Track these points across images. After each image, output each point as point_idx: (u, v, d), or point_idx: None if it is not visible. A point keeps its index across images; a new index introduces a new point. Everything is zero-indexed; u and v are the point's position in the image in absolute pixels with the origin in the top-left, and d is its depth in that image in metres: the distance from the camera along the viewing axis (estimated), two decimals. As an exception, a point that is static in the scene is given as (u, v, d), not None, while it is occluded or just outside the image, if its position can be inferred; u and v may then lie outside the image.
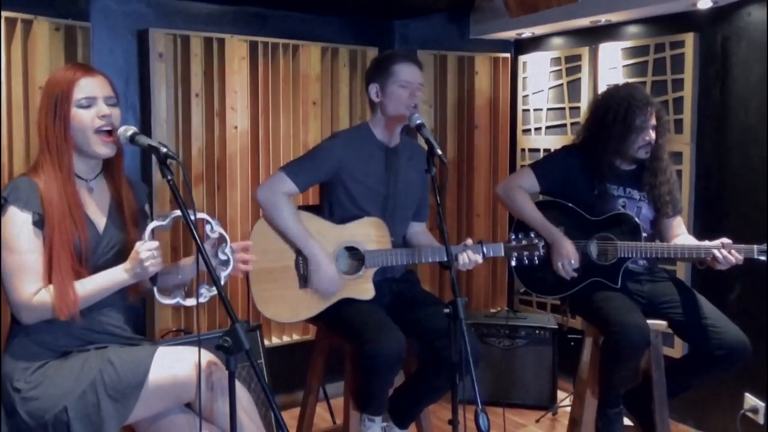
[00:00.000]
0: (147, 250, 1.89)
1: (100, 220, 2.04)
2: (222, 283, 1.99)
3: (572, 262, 2.73)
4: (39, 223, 1.91)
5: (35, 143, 2.76)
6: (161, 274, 2.03)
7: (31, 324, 1.93)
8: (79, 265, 1.94)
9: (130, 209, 2.09)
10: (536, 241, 2.61)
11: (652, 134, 2.75)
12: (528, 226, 2.82)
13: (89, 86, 1.98)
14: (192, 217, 1.79)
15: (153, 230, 1.92)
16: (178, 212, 1.88)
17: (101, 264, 1.98)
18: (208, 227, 2.01)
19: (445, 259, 2.29)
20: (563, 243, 2.75)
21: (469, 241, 2.55)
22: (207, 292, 1.94)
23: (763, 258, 2.51)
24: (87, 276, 1.95)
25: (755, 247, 2.52)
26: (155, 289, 1.99)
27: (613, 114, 2.74)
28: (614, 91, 2.83)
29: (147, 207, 2.23)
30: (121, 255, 1.99)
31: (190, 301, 1.97)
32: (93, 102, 1.98)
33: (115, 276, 1.94)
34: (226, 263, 2.03)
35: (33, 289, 1.89)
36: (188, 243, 3.22)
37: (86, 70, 2.02)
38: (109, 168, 2.10)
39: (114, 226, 2.06)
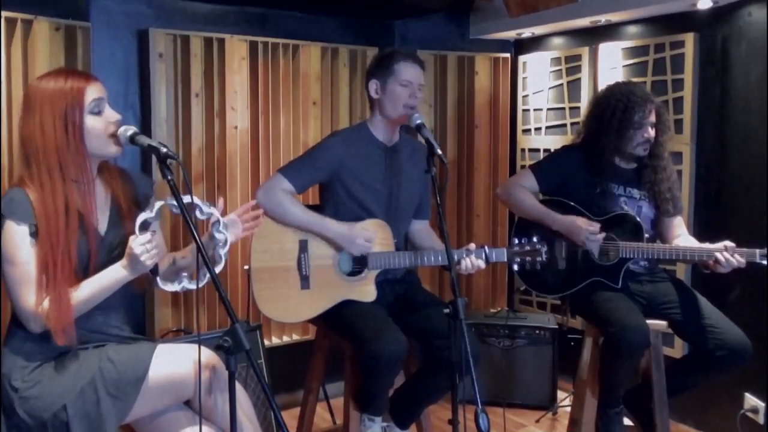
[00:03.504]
0: (140, 244, 1.87)
1: (101, 222, 2.04)
2: (222, 261, 2.01)
3: (591, 228, 2.68)
4: (35, 234, 1.91)
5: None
6: (166, 267, 2.03)
7: (38, 332, 1.92)
8: (83, 270, 1.94)
9: (127, 205, 2.08)
10: (539, 246, 2.56)
11: (651, 132, 2.75)
12: (529, 227, 2.81)
13: (94, 91, 1.97)
14: (181, 203, 1.80)
15: (142, 223, 1.91)
16: (162, 201, 1.89)
17: (106, 264, 1.97)
18: (197, 211, 1.99)
19: (447, 262, 2.27)
20: (573, 220, 2.72)
21: (472, 246, 2.51)
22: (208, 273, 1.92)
23: (764, 263, 2.50)
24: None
25: (757, 251, 2.51)
26: (158, 279, 1.98)
27: (611, 110, 2.73)
28: (614, 87, 2.83)
29: (153, 199, 2.20)
30: (124, 254, 1.98)
31: (194, 284, 1.96)
32: (101, 106, 1.97)
33: (115, 274, 1.93)
34: (224, 242, 2.04)
35: (38, 299, 1.89)
36: (188, 239, 3.21)
37: (83, 76, 2.00)
38: (103, 167, 2.09)
39: (115, 225, 2.06)
